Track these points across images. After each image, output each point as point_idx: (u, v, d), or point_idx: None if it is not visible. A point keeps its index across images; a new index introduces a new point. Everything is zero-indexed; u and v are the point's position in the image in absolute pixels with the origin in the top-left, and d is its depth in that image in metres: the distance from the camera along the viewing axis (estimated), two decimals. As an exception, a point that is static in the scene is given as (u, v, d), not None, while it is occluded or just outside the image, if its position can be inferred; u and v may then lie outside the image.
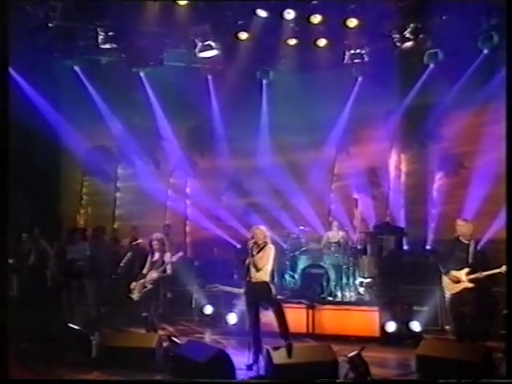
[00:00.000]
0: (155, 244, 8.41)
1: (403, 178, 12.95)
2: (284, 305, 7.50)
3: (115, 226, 13.27)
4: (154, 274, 8.35)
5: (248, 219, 12.45)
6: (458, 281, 7.78)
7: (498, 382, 5.90)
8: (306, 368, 6.87)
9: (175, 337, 7.93)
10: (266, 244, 7.12)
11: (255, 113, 12.95)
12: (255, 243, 7.13)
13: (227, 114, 12.95)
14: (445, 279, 7.97)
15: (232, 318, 9.58)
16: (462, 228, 7.79)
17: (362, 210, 12.40)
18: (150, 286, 8.30)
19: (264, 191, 12.89)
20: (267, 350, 7.08)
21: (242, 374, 6.88)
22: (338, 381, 6.49)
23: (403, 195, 12.79)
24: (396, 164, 13.08)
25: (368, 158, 13.03)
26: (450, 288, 7.93)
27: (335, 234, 10.69)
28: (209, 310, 10.38)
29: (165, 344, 7.71)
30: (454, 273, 7.83)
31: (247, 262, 7.10)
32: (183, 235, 13.72)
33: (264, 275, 7.11)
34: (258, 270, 7.04)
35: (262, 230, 7.23)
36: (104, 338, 7.97)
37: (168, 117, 12.95)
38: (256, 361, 7.06)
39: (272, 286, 7.25)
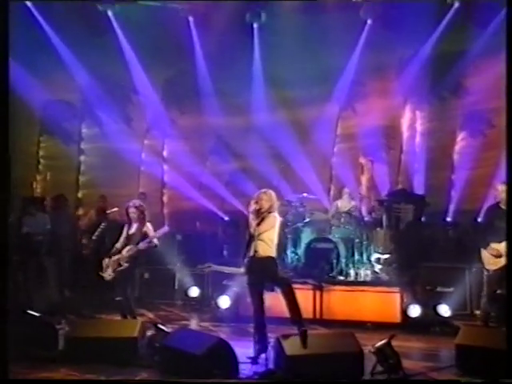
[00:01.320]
0: (133, 213, 7.87)
1: (419, 139, 12.74)
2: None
3: (79, 195, 12.96)
4: (130, 250, 7.83)
5: (237, 187, 12.34)
6: (499, 255, 7.50)
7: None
8: (326, 360, 6.45)
9: (162, 324, 7.41)
10: (270, 212, 6.71)
11: (245, 62, 12.51)
12: (257, 211, 6.71)
13: (212, 62, 12.58)
14: (484, 254, 7.73)
15: (224, 302, 9.30)
16: (504, 194, 7.41)
17: (369, 177, 12.18)
18: (125, 265, 7.82)
19: (256, 154, 12.54)
20: (277, 340, 6.58)
21: (246, 369, 6.48)
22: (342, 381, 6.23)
23: (418, 159, 12.55)
24: (410, 123, 12.86)
25: (378, 116, 12.69)
26: (490, 263, 7.67)
27: (345, 203, 10.44)
28: (195, 292, 10.32)
29: (149, 333, 7.31)
30: (494, 245, 7.58)
31: (248, 233, 6.75)
32: (160, 206, 13.33)
33: (269, 249, 6.73)
34: (260, 242, 6.68)
35: (270, 197, 6.79)
36: (73, 327, 7.38)
37: (142, 65, 12.47)
38: (261, 352, 6.71)
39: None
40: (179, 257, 10.57)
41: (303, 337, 6.56)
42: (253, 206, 6.70)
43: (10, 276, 6.55)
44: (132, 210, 7.86)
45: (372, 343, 6.60)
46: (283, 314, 7.00)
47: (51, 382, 5.93)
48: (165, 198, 13.37)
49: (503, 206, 7.52)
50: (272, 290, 6.94)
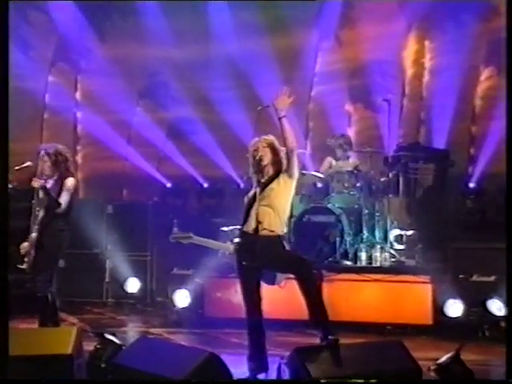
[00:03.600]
0: (45, 163, 7.21)
1: (427, 78, 12.42)
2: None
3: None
4: (42, 222, 7.22)
5: (185, 141, 12.54)
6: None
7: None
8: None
9: (113, 334, 6.49)
10: (279, 167, 6.26)
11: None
12: (258, 163, 6.23)
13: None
14: None
15: (181, 298, 8.97)
16: None
17: (359, 129, 12.39)
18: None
19: (208, 99, 12.43)
20: (295, 354, 5.81)
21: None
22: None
23: (426, 106, 12.34)
24: (416, 57, 12.52)
25: (371, 48, 12.28)
26: None
27: (344, 162, 10.05)
28: (134, 285, 10.27)
29: (93, 348, 6.37)
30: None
31: (246, 199, 6.34)
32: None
33: (279, 223, 6.25)
34: (267, 210, 6.21)
35: (271, 143, 6.33)
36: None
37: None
38: (259, 371, 6.19)
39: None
40: (110, 236, 10.43)
41: (334, 350, 5.88)
42: (254, 157, 6.25)
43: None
44: (44, 160, 7.18)
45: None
46: (284, 315, 7.42)
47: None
48: (79, 158, 12.99)
49: None
50: (272, 283, 6.42)
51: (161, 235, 9.89)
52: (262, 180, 6.21)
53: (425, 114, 12.38)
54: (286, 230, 6.44)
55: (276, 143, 6.29)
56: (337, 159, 10.03)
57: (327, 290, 8.27)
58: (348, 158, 10.06)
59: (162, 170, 12.59)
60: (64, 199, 7.08)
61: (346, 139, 10.09)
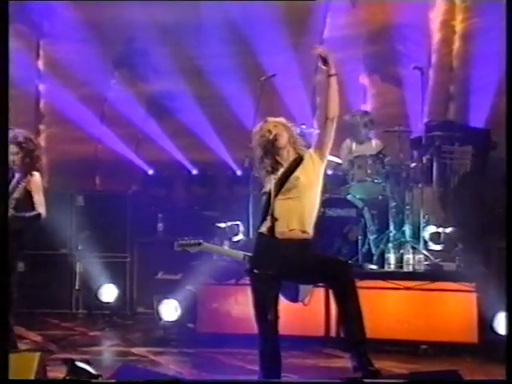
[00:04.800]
0: (18, 157, 7.30)
1: (458, 43, 12.11)
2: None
3: None
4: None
5: (170, 118, 12.32)
6: None
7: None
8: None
9: (87, 362, 6.13)
10: (299, 149, 6.16)
11: None
12: (274, 146, 6.05)
13: None
14: None
15: (169, 310, 8.79)
16: None
17: (376, 106, 12.00)
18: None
19: (198, 69, 12.16)
20: None
21: None
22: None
23: (458, 78, 12.03)
24: (445, 18, 12.16)
25: (390, 8, 12.07)
26: None
27: (367, 144, 9.92)
28: (111, 293, 10.19)
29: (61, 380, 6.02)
30: None
31: (264, 194, 6.15)
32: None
33: (310, 222, 6.07)
34: (291, 204, 6.04)
35: (283, 123, 6.18)
36: None
37: None
38: None
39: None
40: (80, 234, 10.33)
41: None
42: (262, 141, 6.06)
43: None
44: (15, 151, 7.28)
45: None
46: (296, 330, 7.41)
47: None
48: (42, 140, 12.54)
49: None
50: (295, 299, 6.23)
51: (142, 232, 10.44)
52: (281, 168, 5.97)
53: (455, 88, 12.18)
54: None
55: (289, 125, 6.17)
56: (358, 142, 9.95)
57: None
58: (370, 139, 9.97)
59: (142, 153, 12.43)
60: (41, 205, 7.22)
61: (371, 117, 10.01)
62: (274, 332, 5.96)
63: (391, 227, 9.30)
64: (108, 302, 10.08)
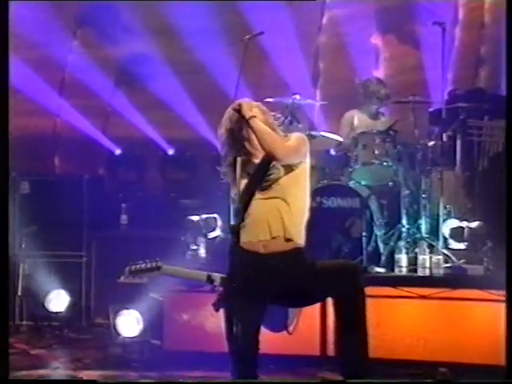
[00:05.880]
0: None
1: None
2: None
3: None
4: None
5: (140, 88, 12.05)
6: None
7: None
8: None
9: None
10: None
11: None
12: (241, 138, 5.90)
13: None
14: None
15: (129, 323, 8.64)
16: None
17: (390, 72, 11.80)
18: None
19: (173, 28, 11.86)
20: None
21: None
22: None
23: (489, 37, 11.85)
24: None
25: None
26: None
27: (375, 119, 9.78)
28: (61, 300, 10.09)
29: None
30: None
31: (238, 190, 5.95)
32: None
33: (298, 228, 5.78)
34: (277, 212, 5.76)
35: (256, 104, 5.94)
36: None
37: None
38: None
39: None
40: (25, 228, 10.18)
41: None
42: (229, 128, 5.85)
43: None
44: None
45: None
46: (280, 348, 7.33)
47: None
48: None
49: None
50: (282, 327, 6.02)
51: (102, 225, 10.22)
52: (255, 160, 5.71)
53: (487, 49, 11.97)
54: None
55: (266, 110, 5.92)
56: (366, 114, 9.83)
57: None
58: (380, 114, 9.84)
59: (108, 130, 12.27)
60: None
61: (387, 91, 9.85)
62: (253, 351, 5.68)
63: (403, 221, 9.03)
64: (58, 312, 9.92)
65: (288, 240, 5.55)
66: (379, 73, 11.76)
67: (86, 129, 12.14)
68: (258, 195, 5.64)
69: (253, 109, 5.77)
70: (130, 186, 11.51)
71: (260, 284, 5.66)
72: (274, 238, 5.54)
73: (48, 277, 9.94)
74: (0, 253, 6.00)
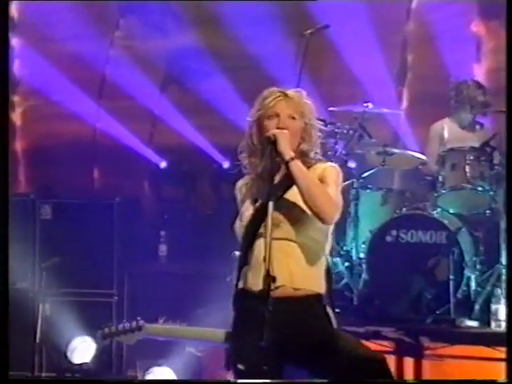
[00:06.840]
0: None
1: None
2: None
3: None
4: None
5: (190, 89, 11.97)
6: None
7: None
8: None
9: None
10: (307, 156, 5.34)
11: None
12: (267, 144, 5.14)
13: None
14: None
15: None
16: None
17: (494, 67, 11.18)
18: None
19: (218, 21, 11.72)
20: None
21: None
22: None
23: None
24: None
25: None
26: None
27: (468, 131, 9.35)
28: (87, 349, 9.68)
29: None
30: None
31: (242, 222, 5.26)
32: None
33: (316, 272, 5.32)
34: (289, 245, 5.25)
35: (305, 105, 5.30)
36: None
37: None
38: None
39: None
40: (45, 262, 9.73)
41: None
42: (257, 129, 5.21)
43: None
44: None
45: None
46: None
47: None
48: (16, 117, 12.67)
49: None
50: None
51: (136, 258, 10.12)
52: (277, 177, 5.16)
53: None
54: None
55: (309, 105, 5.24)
56: (459, 125, 9.41)
57: (430, 374, 8.24)
58: (476, 123, 9.37)
59: (154, 138, 12.06)
60: None
61: (487, 98, 9.39)
62: None
63: (503, 260, 8.45)
64: (83, 363, 9.50)
65: (299, 289, 5.15)
66: (481, 68, 11.34)
67: (126, 137, 11.98)
68: (270, 229, 5.01)
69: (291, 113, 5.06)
70: (174, 206, 11.33)
71: (267, 336, 4.96)
72: (282, 285, 5.09)
73: (72, 320, 9.60)
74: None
